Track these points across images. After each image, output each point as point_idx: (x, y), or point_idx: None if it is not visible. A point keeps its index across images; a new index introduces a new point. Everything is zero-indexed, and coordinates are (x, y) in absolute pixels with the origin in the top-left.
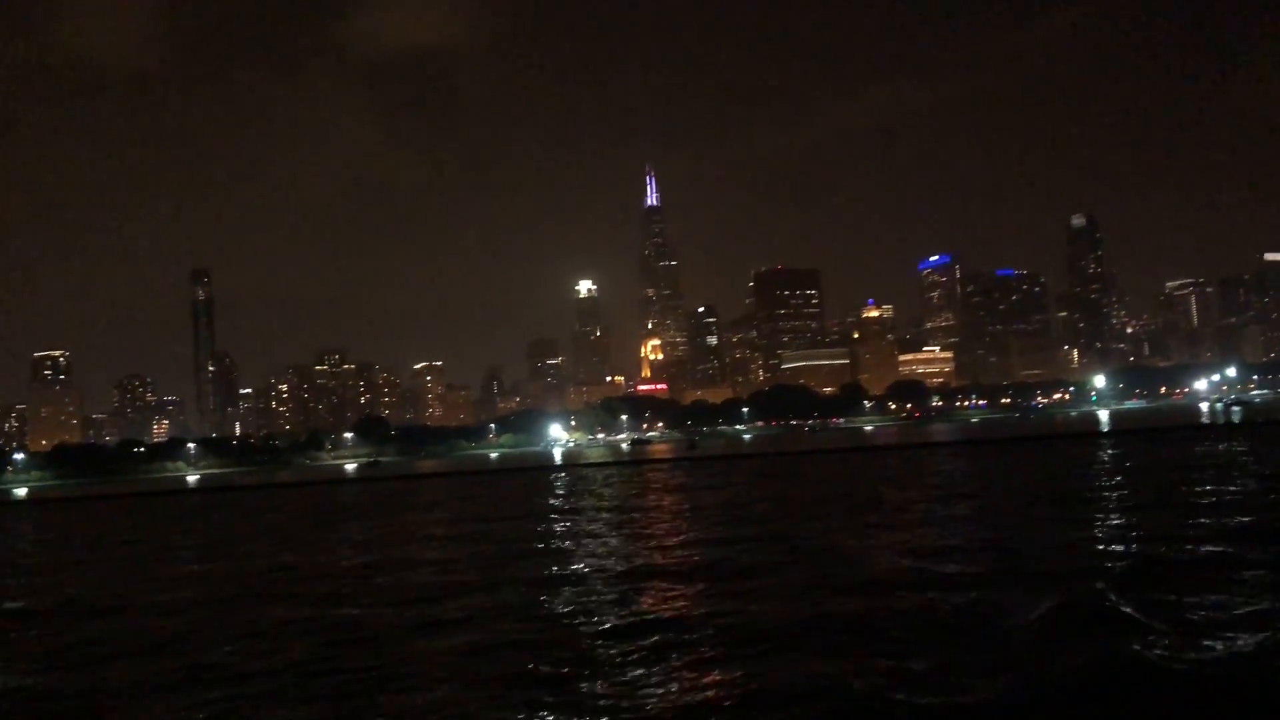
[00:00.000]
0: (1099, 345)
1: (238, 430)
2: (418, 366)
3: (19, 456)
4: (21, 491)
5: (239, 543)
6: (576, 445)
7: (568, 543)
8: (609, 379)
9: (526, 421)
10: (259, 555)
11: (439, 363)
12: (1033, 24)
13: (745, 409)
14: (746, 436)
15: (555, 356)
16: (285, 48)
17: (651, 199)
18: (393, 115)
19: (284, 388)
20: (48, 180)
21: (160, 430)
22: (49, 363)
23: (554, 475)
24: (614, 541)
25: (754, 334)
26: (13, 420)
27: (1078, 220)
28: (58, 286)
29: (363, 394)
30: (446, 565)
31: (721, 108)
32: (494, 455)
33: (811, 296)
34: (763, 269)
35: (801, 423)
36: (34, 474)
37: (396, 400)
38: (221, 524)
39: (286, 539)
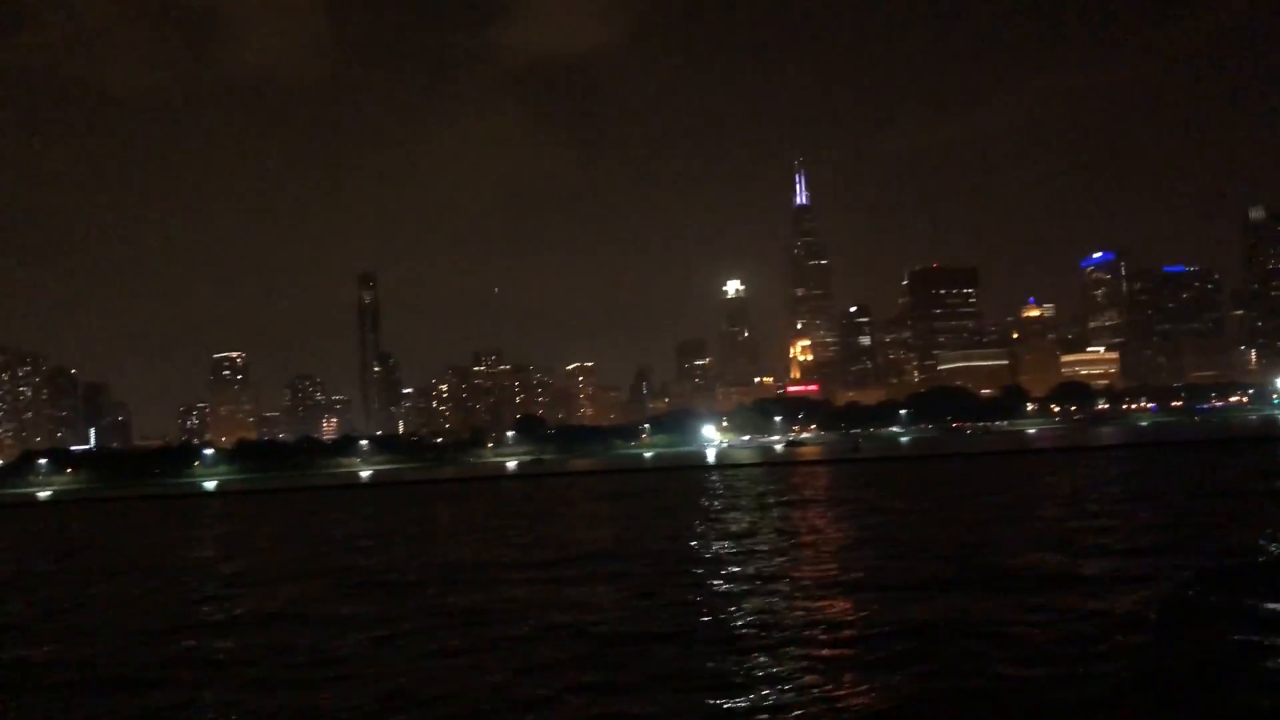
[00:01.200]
0: None
1: (400, 429)
2: (570, 367)
3: (208, 452)
4: (210, 484)
5: (502, 524)
6: (729, 446)
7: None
8: (757, 380)
9: (679, 422)
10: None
11: (590, 364)
12: (1203, 8)
13: (902, 411)
14: (904, 439)
15: (703, 357)
16: (441, 56)
17: (801, 197)
18: (543, 118)
19: (443, 388)
20: (221, 190)
21: (330, 428)
22: (227, 364)
23: (726, 474)
24: (836, 537)
25: (908, 334)
26: (194, 418)
27: (1256, 213)
28: (235, 291)
29: (518, 394)
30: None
31: (873, 103)
32: (648, 455)
33: (969, 295)
34: (917, 267)
35: (961, 425)
36: (221, 468)
37: (550, 400)
38: (462, 511)
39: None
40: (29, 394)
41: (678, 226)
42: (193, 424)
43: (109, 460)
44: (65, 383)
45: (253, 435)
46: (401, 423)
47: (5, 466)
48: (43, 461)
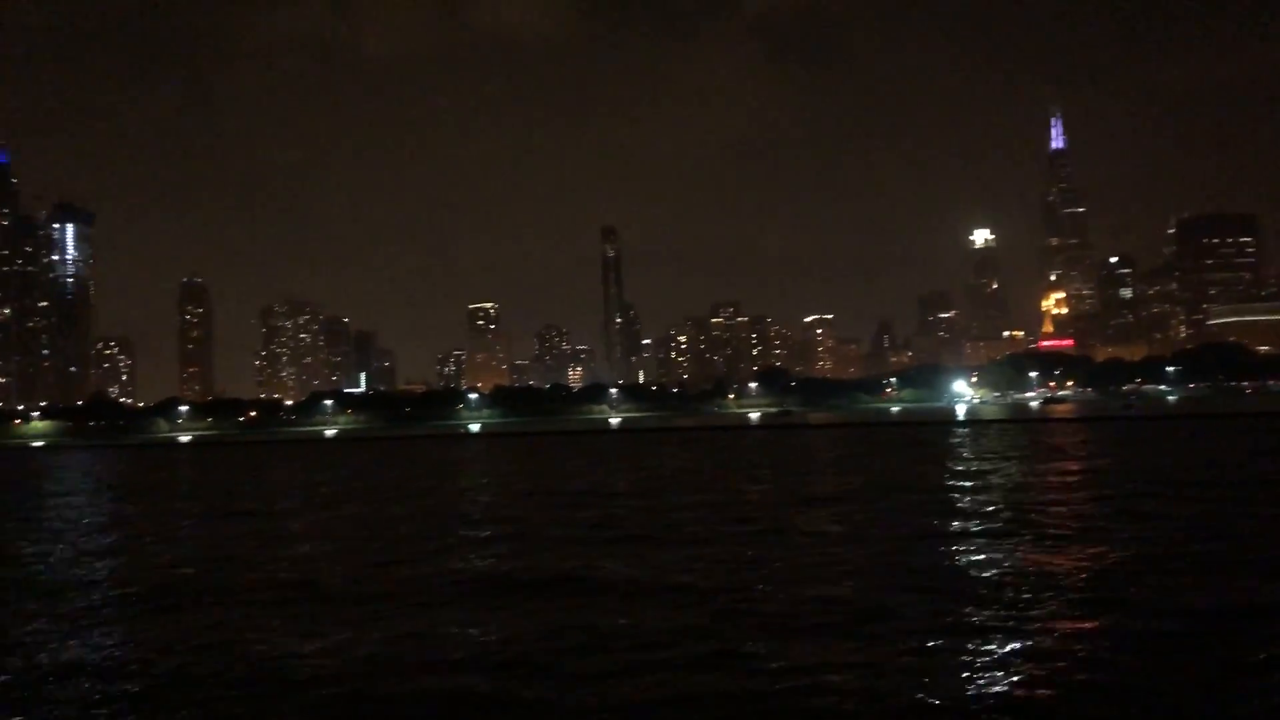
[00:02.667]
0: None
1: (640, 378)
2: (808, 319)
3: (472, 396)
4: (475, 426)
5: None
6: (980, 402)
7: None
8: (1006, 334)
9: (926, 376)
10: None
11: (829, 316)
12: None
13: (1169, 368)
14: (1171, 398)
15: (948, 310)
16: (679, 6)
17: (1057, 141)
18: (783, 66)
19: (682, 339)
20: (472, 146)
21: (575, 377)
22: (481, 314)
23: (988, 431)
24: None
25: (1175, 286)
26: (451, 364)
27: None
28: (489, 244)
29: (755, 346)
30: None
31: (1135, 40)
32: (894, 410)
33: (1245, 244)
34: (1186, 215)
35: (1237, 384)
36: (484, 412)
37: (787, 353)
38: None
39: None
40: (308, 340)
41: (921, 175)
42: (449, 370)
43: (383, 402)
44: (339, 330)
45: (505, 382)
46: (641, 372)
47: (296, 405)
48: (328, 403)
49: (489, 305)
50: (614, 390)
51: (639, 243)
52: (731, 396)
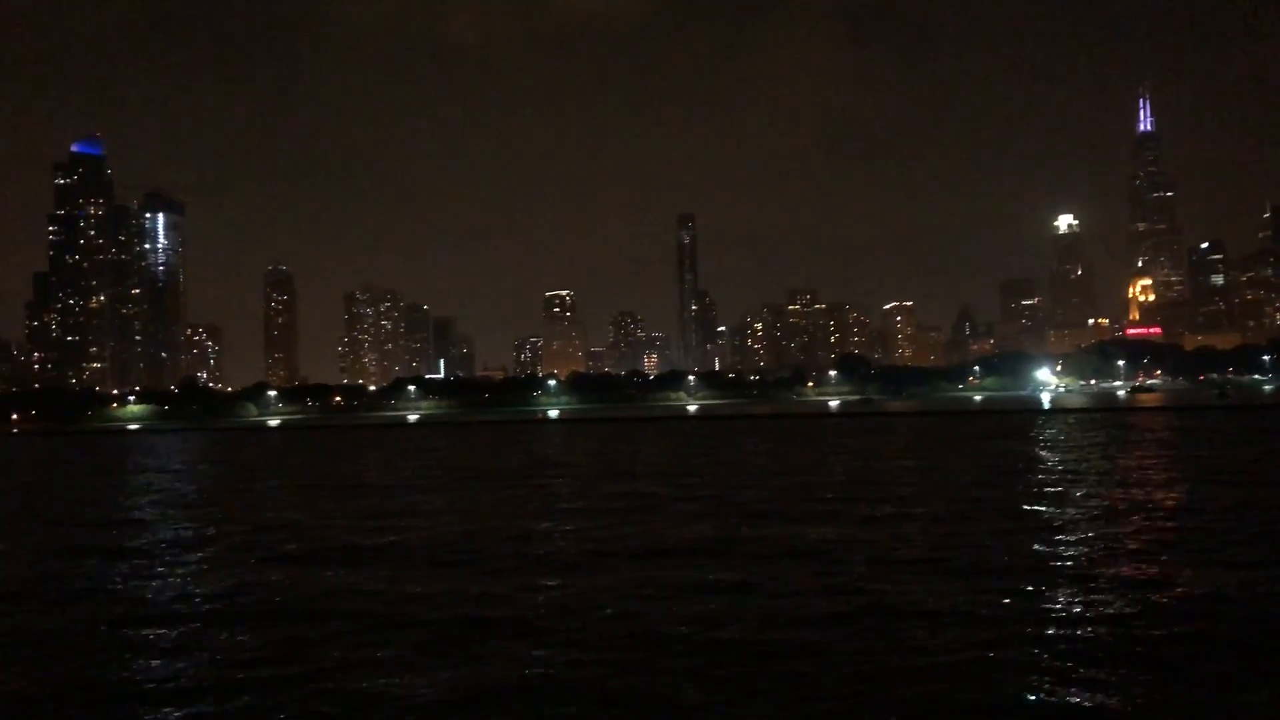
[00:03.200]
0: None
1: (716, 365)
2: (887, 307)
3: (551, 383)
4: (554, 412)
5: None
6: (1066, 391)
7: None
8: (1091, 321)
9: (1009, 364)
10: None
11: (909, 303)
12: None
13: (1265, 356)
14: (1267, 387)
15: (1031, 297)
16: None
17: (1145, 124)
18: (865, 50)
19: (758, 326)
20: (549, 133)
21: (650, 364)
22: (557, 301)
23: (1080, 420)
24: None
25: (1270, 272)
26: (527, 350)
27: None
28: (564, 232)
29: (833, 333)
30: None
31: (1226, 20)
32: (977, 398)
33: None
34: None
35: None
36: (563, 398)
37: (866, 340)
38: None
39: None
40: (389, 327)
41: (1003, 159)
42: (526, 356)
43: (463, 388)
44: (419, 317)
45: (580, 368)
46: (717, 359)
47: (380, 390)
48: (411, 388)
49: (565, 292)
50: (691, 377)
51: (715, 229)
52: (810, 384)
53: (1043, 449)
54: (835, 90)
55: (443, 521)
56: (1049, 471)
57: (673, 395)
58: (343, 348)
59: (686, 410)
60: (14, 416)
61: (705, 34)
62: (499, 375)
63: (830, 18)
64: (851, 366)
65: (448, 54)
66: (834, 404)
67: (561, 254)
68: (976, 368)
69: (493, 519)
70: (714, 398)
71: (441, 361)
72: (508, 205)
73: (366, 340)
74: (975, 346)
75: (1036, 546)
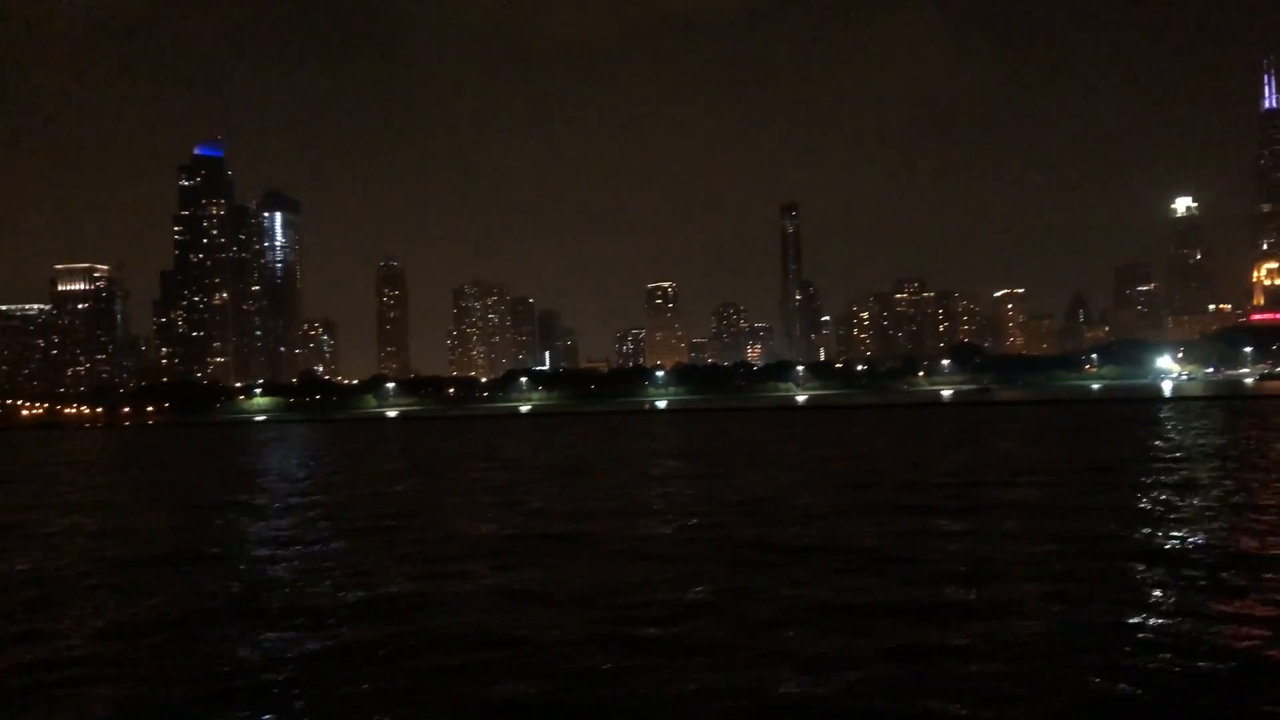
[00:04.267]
0: None
1: (821, 356)
2: (998, 294)
3: (659, 374)
4: (661, 403)
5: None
6: (1188, 379)
7: None
8: (1212, 307)
9: (1128, 352)
10: None
11: (1020, 290)
12: None
13: None
14: None
15: (1147, 282)
16: None
17: (1270, 100)
18: (966, 30)
19: (864, 315)
20: (650, 127)
21: (754, 354)
22: (660, 292)
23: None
24: None
25: None
26: (629, 342)
27: None
28: (666, 224)
29: (941, 321)
30: None
31: None
32: (1094, 386)
33: None
34: None
35: None
36: (670, 389)
37: (975, 329)
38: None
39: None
40: (496, 320)
41: (1117, 141)
42: (628, 348)
43: (571, 379)
44: (524, 310)
45: (682, 359)
46: (822, 350)
47: (492, 382)
48: (523, 380)
49: (667, 284)
50: (800, 367)
51: (819, 218)
52: (921, 374)
53: None
54: (939, 74)
55: None
56: None
57: (781, 386)
58: (451, 341)
59: (795, 401)
60: (149, 409)
61: (805, 22)
62: (603, 367)
63: (931, 3)
64: (964, 355)
65: (548, 50)
66: (947, 393)
67: (664, 246)
68: (1094, 355)
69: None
70: (822, 388)
71: (546, 354)
72: (610, 199)
73: (474, 333)
74: (1089, 334)
75: None
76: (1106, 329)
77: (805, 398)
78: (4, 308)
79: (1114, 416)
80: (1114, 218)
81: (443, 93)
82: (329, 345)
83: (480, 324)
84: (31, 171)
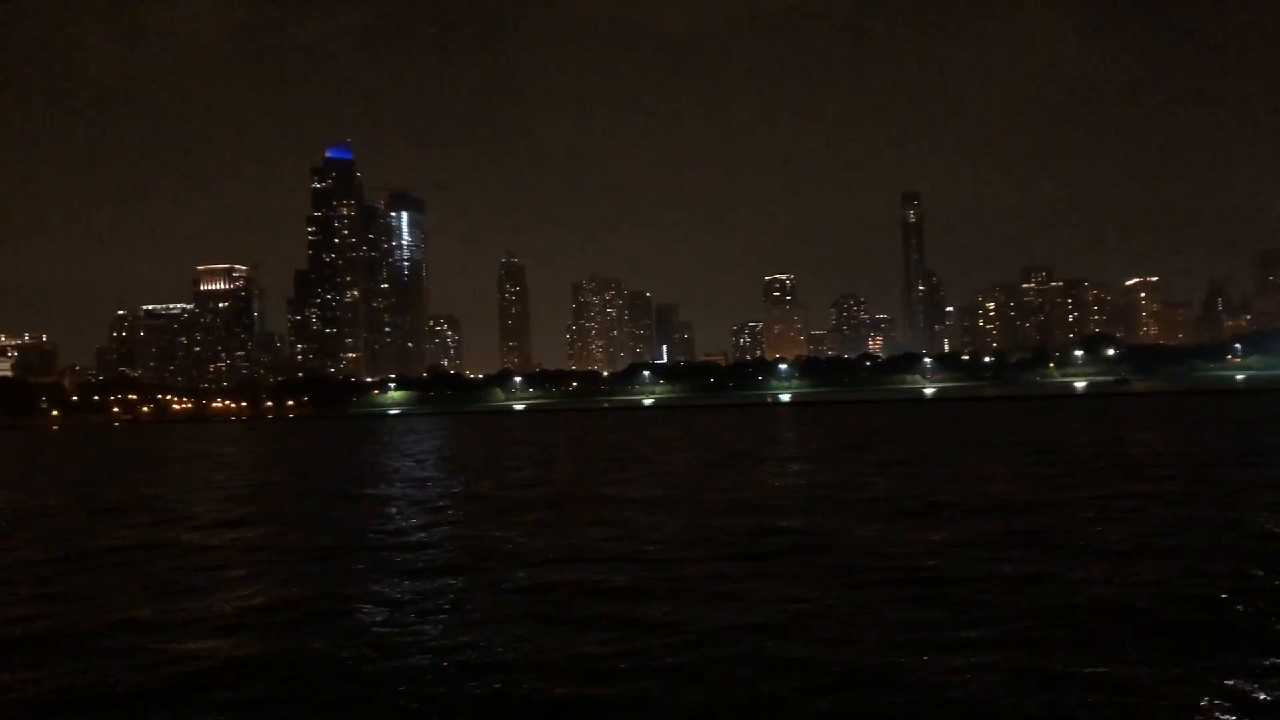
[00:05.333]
0: None
1: (945, 347)
2: (1130, 283)
3: (782, 367)
4: (785, 396)
5: None
6: None
7: None
8: None
9: (1275, 341)
10: None
11: (1153, 278)
12: None
13: None
14: None
15: None
16: None
17: None
18: (1094, 11)
19: (990, 306)
20: (766, 117)
21: (875, 346)
22: (777, 284)
23: None
24: None
25: None
26: (745, 335)
27: None
28: (784, 215)
29: (1070, 311)
30: None
31: None
32: (1239, 377)
33: None
34: None
35: None
36: (794, 382)
37: (1106, 318)
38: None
39: None
40: (614, 314)
41: (1254, 120)
42: (745, 341)
43: (692, 373)
44: (642, 304)
45: (801, 352)
46: (945, 341)
47: (614, 375)
48: (646, 373)
49: (785, 276)
50: (928, 360)
51: (942, 207)
52: (1051, 365)
53: None
54: (1066, 53)
55: None
56: None
57: (908, 378)
58: (570, 335)
59: (924, 394)
60: (290, 403)
61: (924, 6)
62: (721, 360)
63: None
64: (1098, 346)
65: (663, 42)
66: (1080, 385)
67: (781, 237)
68: (1237, 345)
69: None
70: (949, 380)
71: (664, 347)
72: (726, 191)
73: (593, 328)
74: (1229, 323)
75: None
76: (1248, 318)
77: (933, 390)
78: (151, 307)
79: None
80: (1253, 201)
81: (558, 87)
82: (453, 340)
83: (599, 318)
84: (175, 177)
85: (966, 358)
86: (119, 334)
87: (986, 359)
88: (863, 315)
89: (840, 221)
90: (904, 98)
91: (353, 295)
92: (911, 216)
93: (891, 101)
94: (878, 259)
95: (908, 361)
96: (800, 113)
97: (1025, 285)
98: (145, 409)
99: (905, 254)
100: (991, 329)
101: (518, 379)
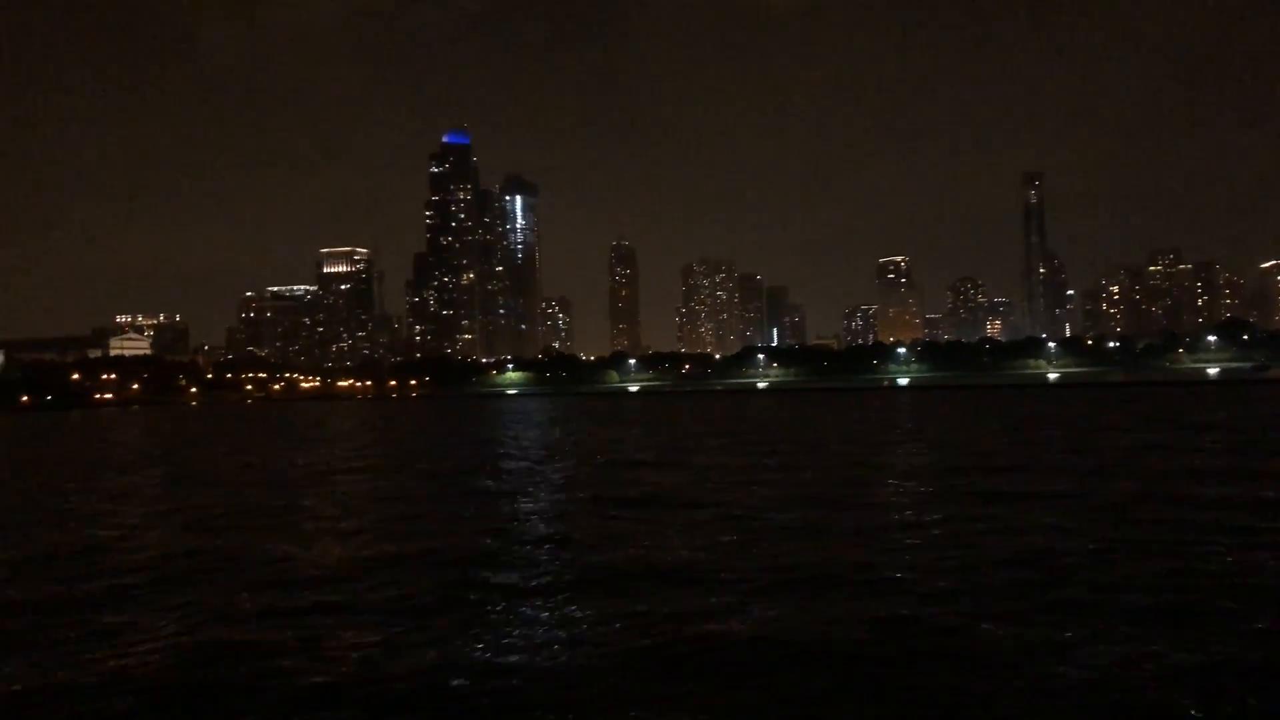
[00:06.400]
0: None
1: (1066, 331)
2: (1265, 265)
3: (901, 350)
4: (903, 380)
5: None
6: None
7: None
8: None
9: None
10: None
11: None
12: None
13: None
14: None
15: None
16: None
17: None
18: None
19: (1114, 289)
20: (880, 96)
21: (993, 330)
22: (892, 267)
23: None
24: None
25: None
26: (858, 319)
27: None
28: (898, 196)
29: (1200, 295)
30: None
31: None
32: None
33: None
34: None
35: None
36: (913, 366)
37: (1239, 302)
38: None
39: None
40: (724, 297)
41: None
42: (857, 325)
43: (806, 356)
44: (752, 287)
45: (916, 335)
46: (1067, 325)
47: (728, 358)
48: (760, 356)
49: (900, 258)
50: (1051, 344)
51: (1063, 188)
52: (1181, 351)
53: None
54: (1193, 22)
55: None
56: None
57: (1030, 363)
58: (679, 318)
59: (1047, 379)
60: (412, 382)
61: None
62: (832, 344)
63: None
64: (1232, 331)
65: (773, 20)
66: (1213, 371)
67: (895, 219)
68: None
69: None
70: (1073, 365)
71: (774, 330)
72: (838, 171)
73: (703, 310)
74: None
75: None
76: None
77: (1057, 375)
78: (277, 289)
79: None
80: None
81: (668, 69)
82: (564, 323)
83: (709, 301)
84: (297, 162)
85: (1090, 342)
86: (247, 315)
87: (1111, 344)
88: (980, 298)
89: (957, 203)
90: (1025, 75)
91: (468, 278)
92: (1033, 197)
93: (1013, 79)
94: (996, 241)
95: (1030, 346)
96: (916, 92)
97: (1151, 268)
98: (276, 387)
99: (1025, 236)
100: (1115, 313)
101: (632, 361)
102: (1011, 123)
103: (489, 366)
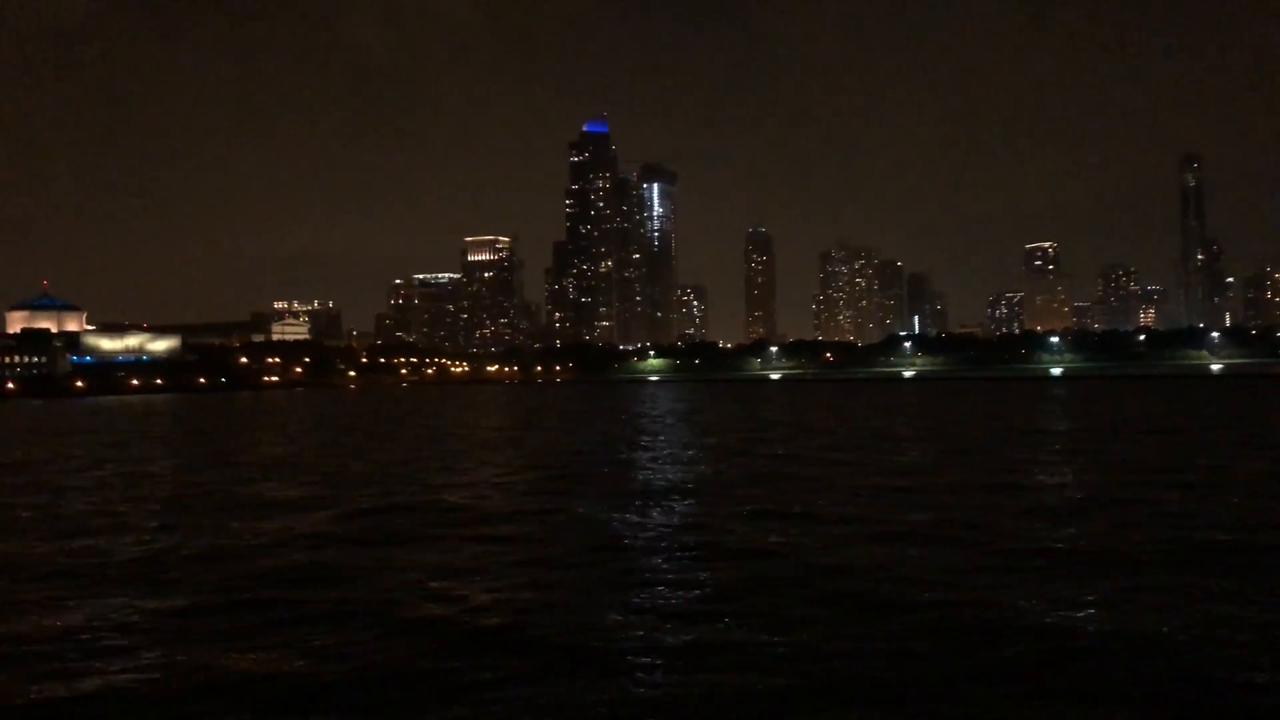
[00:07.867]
0: None
1: (1226, 321)
2: None
3: (1054, 340)
4: (1057, 371)
5: None
6: None
7: None
8: None
9: None
10: None
11: None
12: None
13: None
14: None
15: None
16: None
17: None
18: None
19: (1278, 276)
20: (1019, 76)
21: (1147, 319)
22: (1039, 253)
23: None
24: None
25: None
26: (1002, 306)
27: None
28: (1046, 180)
29: None
30: None
31: None
32: None
33: None
34: None
35: None
36: (1066, 356)
37: None
38: None
39: None
40: (863, 284)
41: None
42: (1001, 312)
43: (953, 345)
44: (893, 274)
45: (1064, 324)
46: (1227, 314)
47: (871, 346)
48: (907, 344)
49: (1048, 244)
50: (1215, 334)
51: (1225, 170)
52: None
53: None
54: None
55: None
56: None
57: (1191, 354)
58: (816, 305)
59: (1209, 370)
60: (556, 367)
61: None
62: (976, 332)
63: None
64: None
65: (908, 4)
66: None
67: (1043, 204)
68: None
69: None
70: (1237, 356)
71: (915, 319)
72: (982, 155)
73: (840, 297)
74: None
75: None
76: None
77: (1219, 366)
78: (424, 276)
79: None
80: None
81: (804, 54)
82: (699, 310)
83: (847, 288)
84: (446, 153)
85: (1255, 332)
86: (395, 301)
87: None
88: (1133, 286)
89: (1109, 186)
90: (1182, 53)
91: (607, 265)
92: (1190, 181)
93: (1168, 57)
94: (1150, 227)
95: (1190, 335)
96: (1062, 71)
97: None
98: (429, 371)
99: (1183, 221)
100: None
101: (773, 349)
102: (1168, 102)
103: (630, 354)
